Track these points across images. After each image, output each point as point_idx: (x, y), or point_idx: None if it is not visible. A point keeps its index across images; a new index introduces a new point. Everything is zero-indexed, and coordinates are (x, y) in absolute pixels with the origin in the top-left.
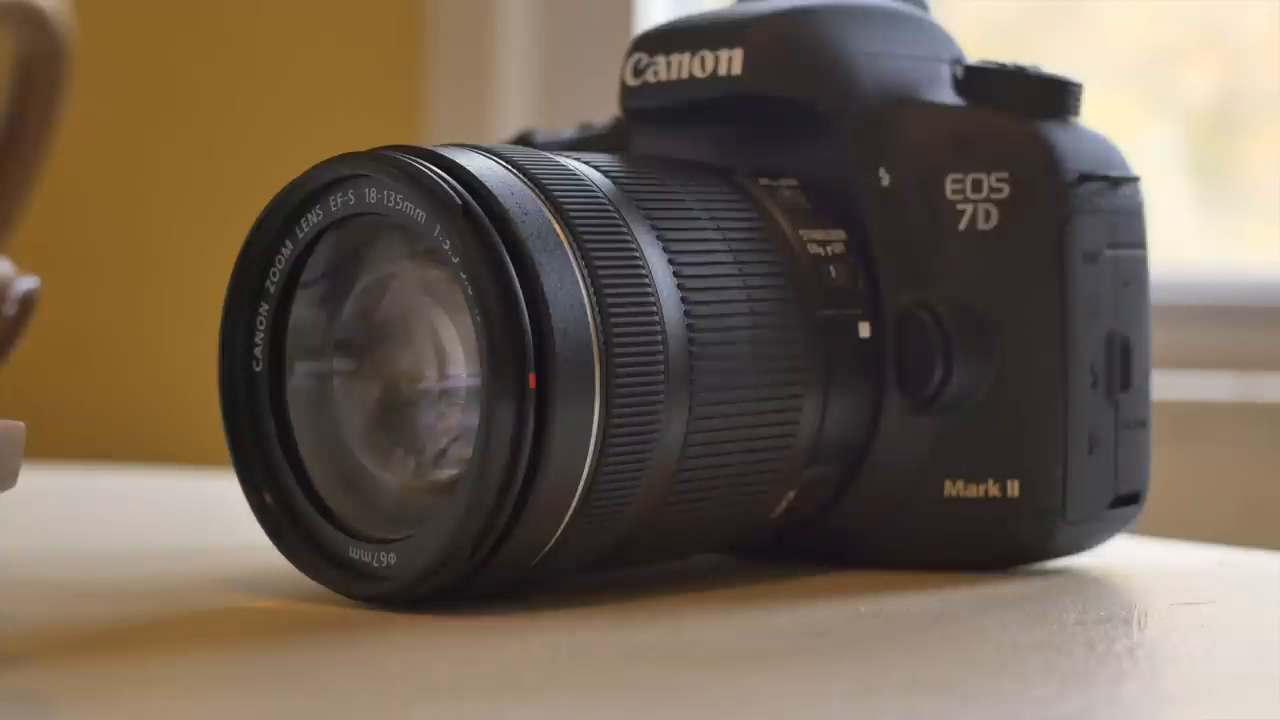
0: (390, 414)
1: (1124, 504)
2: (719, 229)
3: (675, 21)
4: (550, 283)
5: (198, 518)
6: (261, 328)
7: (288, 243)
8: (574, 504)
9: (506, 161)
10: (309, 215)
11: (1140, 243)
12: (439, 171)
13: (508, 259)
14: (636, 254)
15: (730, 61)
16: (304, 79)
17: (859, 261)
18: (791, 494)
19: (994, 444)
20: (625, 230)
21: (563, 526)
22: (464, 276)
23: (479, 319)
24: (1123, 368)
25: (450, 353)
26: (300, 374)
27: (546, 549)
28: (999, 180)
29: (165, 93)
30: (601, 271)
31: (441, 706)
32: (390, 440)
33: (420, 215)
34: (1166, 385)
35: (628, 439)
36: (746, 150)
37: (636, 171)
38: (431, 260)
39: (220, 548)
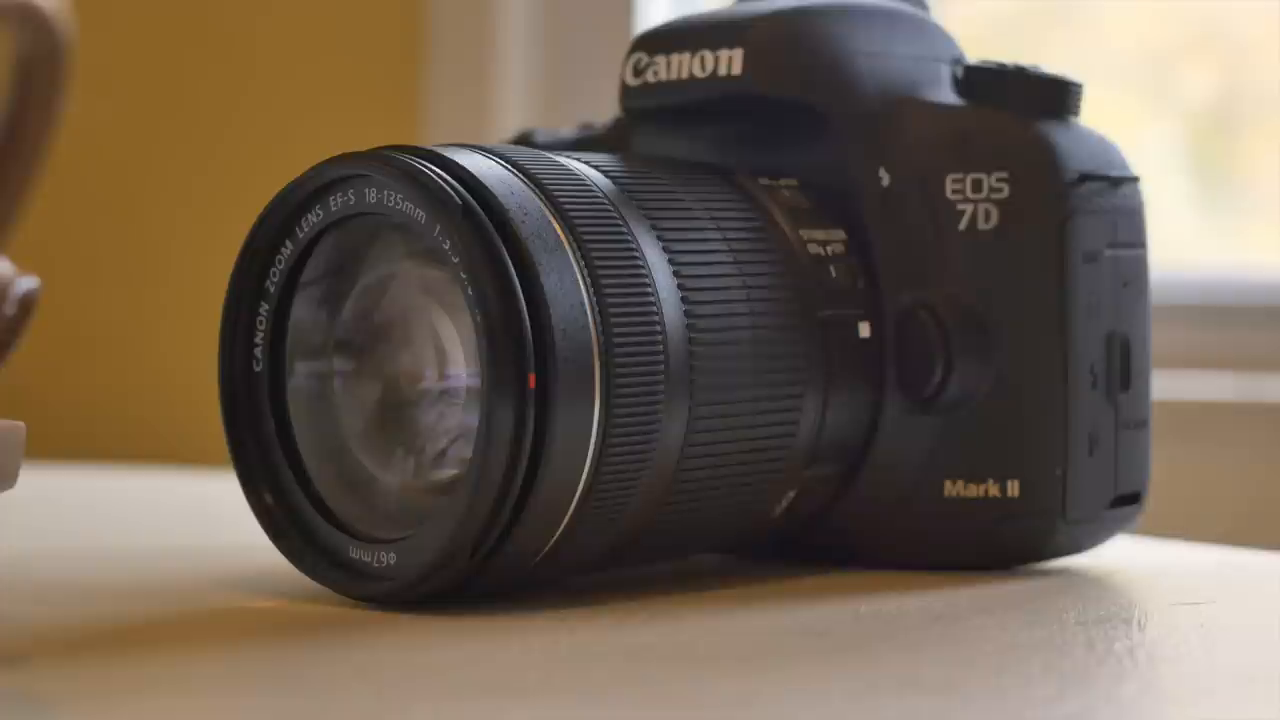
0: (390, 414)
1: (1124, 504)
2: (719, 229)
3: (675, 21)
4: (550, 283)
5: (198, 518)
6: (261, 328)
7: (288, 243)
8: (574, 504)
9: (506, 161)
10: (309, 215)
11: (1140, 243)
12: (439, 171)
13: (508, 259)
14: (636, 254)
15: (730, 61)
16: (304, 78)
17: (859, 261)
18: (791, 494)
19: (994, 444)
20: (625, 230)
21: (563, 526)
22: (464, 276)
23: (479, 319)
24: (1123, 368)
25: (450, 353)
26: (300, 374)
27: (546, 549)
28: (999, 180)
29: (165, 93)
30: (601, 271)
31: (441, 706)
32: (390, 440)
33: (420, 215)
34: (1166, 385)
35: (628, 439)
36: (746, 150)
37: (636, 171)
38: (431, 260)
39: (220, 548)
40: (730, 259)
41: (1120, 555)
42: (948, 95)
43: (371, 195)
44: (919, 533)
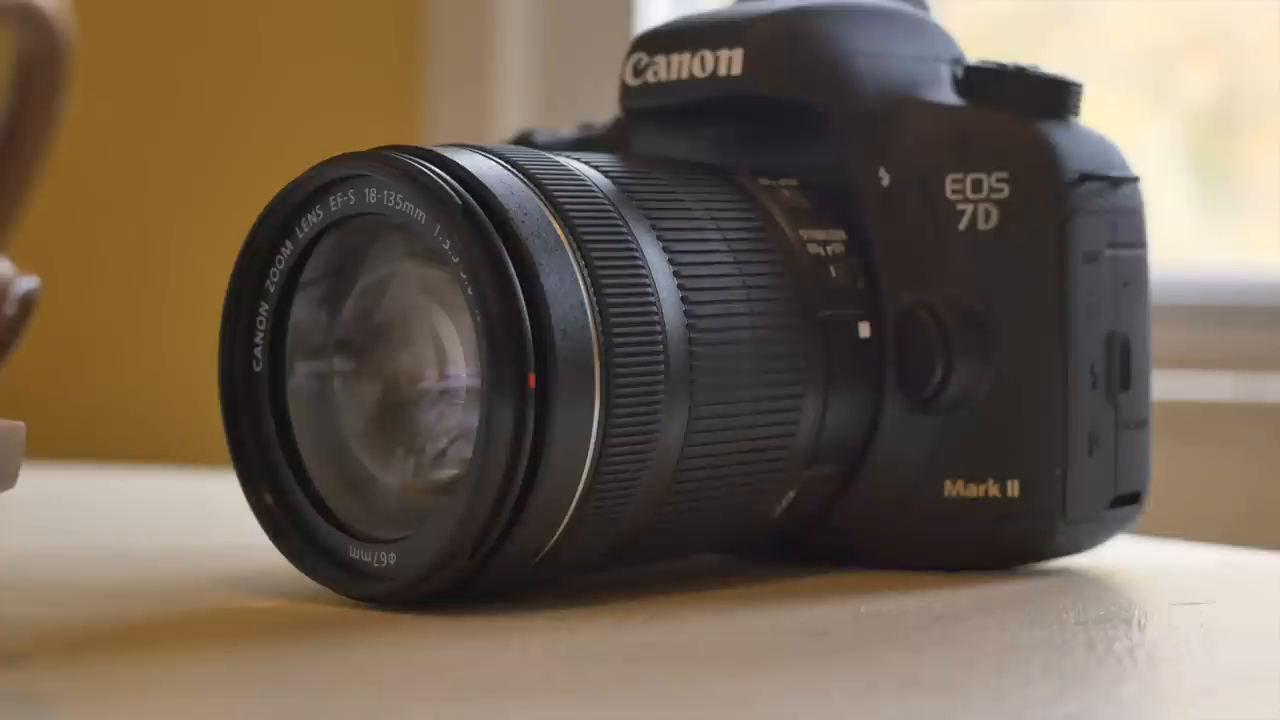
0: (390, 414)
1: (1124, 504)
2: (719, 229)
3: (675, 21)
4: (550, 283)
5: (198, 518)
6: (261, 328)
7: (288, 243)
8: (574, 504)
9: (506, 161)
10: (309, 215)
11: (1140, 243)
12: (439, 171)
13: (508, 259)
14: (636, 254)
15: (730, 61)
16: (304, 78)
17: (859, 261)
18: (791, 494)
19: (994, 444)
20: (625, 230)
21: (563, 526)
22: (464, 276)
23: (479, 319)
24: (1123, 368)
25: (450, 353)
26: (300, 374)
27: (546, 549)
28: (999, 180)
29: (166, 93)
30: (601, 271)
31: (441, 706)
32: (390, 440)
33: (420, 215)
34: (1166, 385)
35: (628, 439)
36: (746, 150)
37: (636, 171)
38: (431, 260)
39: (220, 548)
40: (730, 259)
41: (1120, 555)
42: (948, 95)
43: (371, 195)
44: (919, 533)
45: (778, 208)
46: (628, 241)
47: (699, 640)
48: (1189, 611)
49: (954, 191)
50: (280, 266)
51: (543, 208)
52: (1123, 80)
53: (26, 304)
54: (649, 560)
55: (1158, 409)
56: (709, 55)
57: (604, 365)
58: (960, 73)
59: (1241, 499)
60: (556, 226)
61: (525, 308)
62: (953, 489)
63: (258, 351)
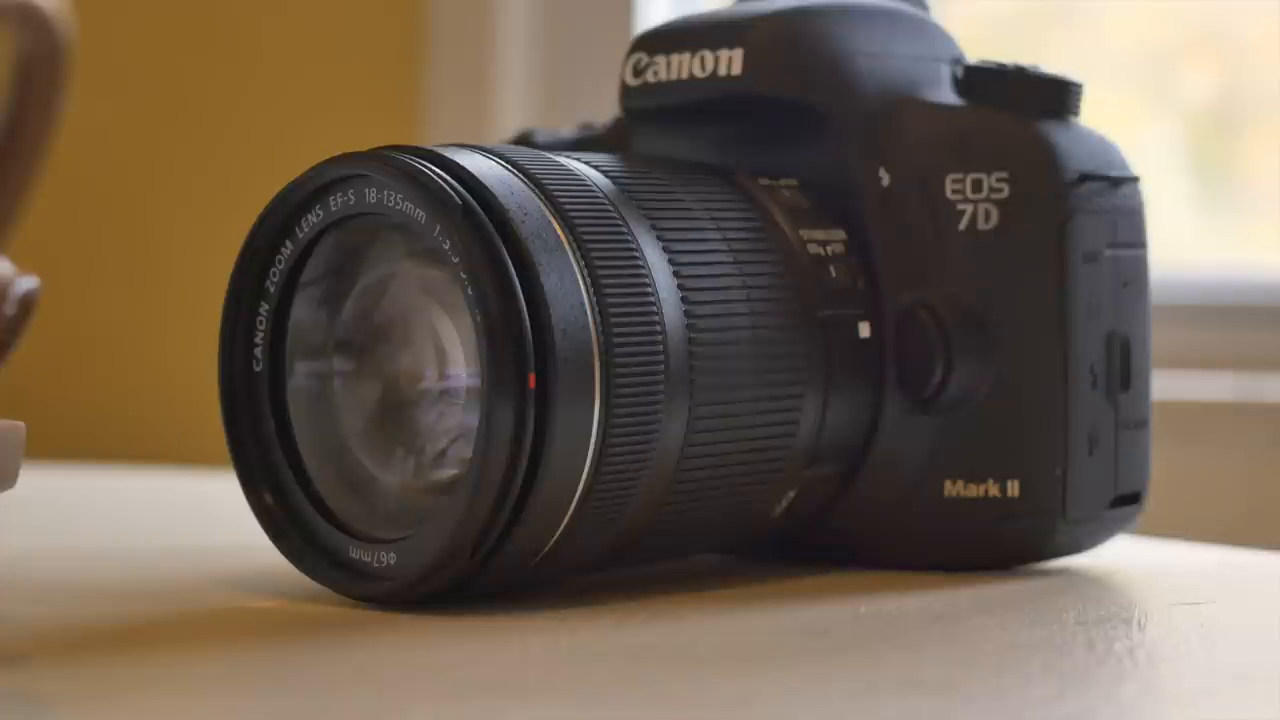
0: (390, 414)
1: (1124, 504)
2: (719, 229)
3: (675, 21)
4: (550, 283)
5: (198, 518)
6: (261, 328)
7: (288, 243)
8: (574, 504)
9: (506, 161)
10: (309, 215)
11: (1140, 243)
12: (439, 171)
13: (508, 259)
14: (636, 254)
15: (730, 61)
16: (304, 78)
17: (859, 261)
18: (791, 494)
19: (994, 444)
20: (625, 230)
21: (563, 526)
22: (464, 276)
23: (479, 319)
24: (1123, 368)
25: (450, 353)
26: (300, 374)
27: (546, 549)
28: (999, 180)
29: (166, 93)
30: (601, 271)
31: (441, 706)
32: (390, 440)
33: (420, 215)
34: (1166, 385)
35: (628, 439)
36: (746, 150)
37: (636, 171)
38: (431, 260)
39: (220, 548)
40: (730, 259)
41: (1120, 555)
42: (948, 95)
43: (371, 195)
44: (919, 533)
45: (778, 208)
46: (628, 241)
47: (699, 640)
48: (1189, 611)
49: (954, 191)
50: (280, 266)
51: (543, 208)
52: (1123, 80)
53: (26, 304)
54: (649, 560)
55: (1158, 409)
56: (709, 55)
57: (604, 365)
58: (960, 73)
59: (1241, 499)
60: (556, 226)
61: (525, 308)
62: (953, 489)
63: (258, 351)
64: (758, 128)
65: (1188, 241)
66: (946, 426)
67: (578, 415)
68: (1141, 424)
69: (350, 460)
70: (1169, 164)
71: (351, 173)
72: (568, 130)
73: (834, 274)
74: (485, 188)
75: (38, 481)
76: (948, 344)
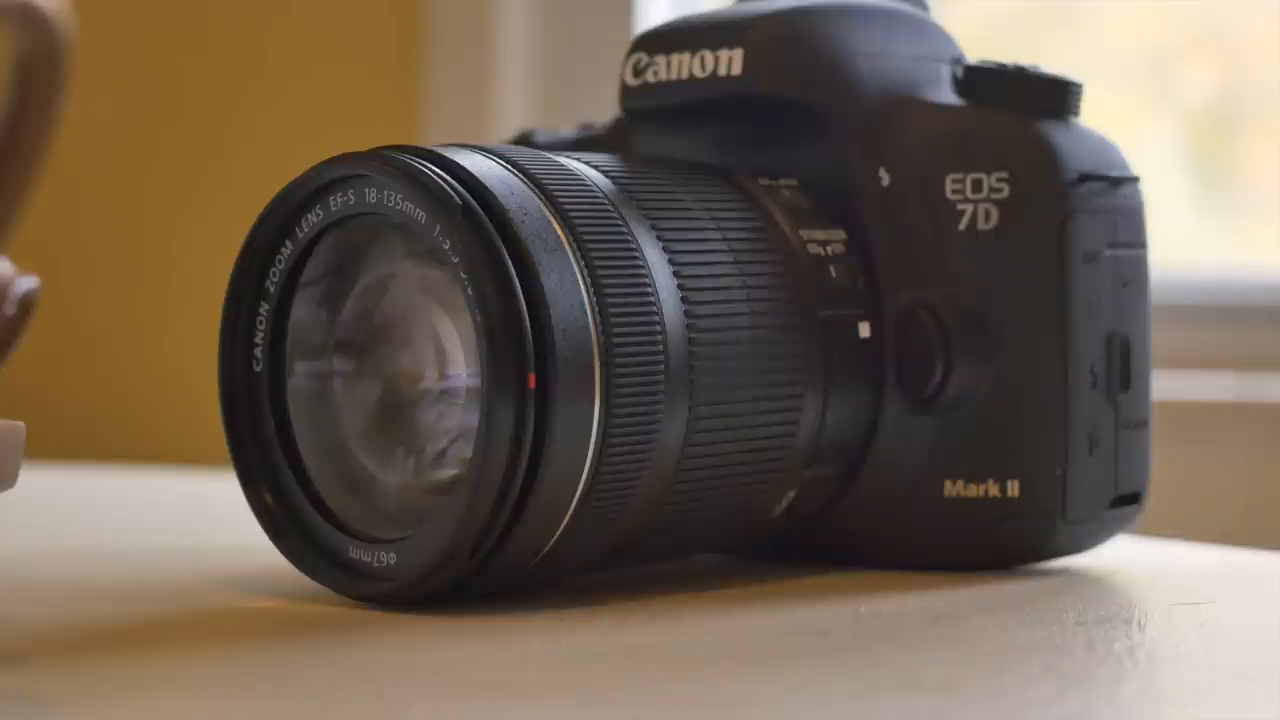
0: (390, 414)
1: (1124, 504)
2: (719, 229)
3: (675, 21)
4: (550, 283)
5: (198, 518)
6: (261, 328)
7: (288, 243)
8: (574, 504)
9: (506, 161)
10: (309, 215)
11: (1140, 243)
12: (439, 171)
13: (508, 259)
14: (636, 254)
15: (730, 61)
16: (304, 78)
17: (859, 261)
18: (791, 494)
19: (994, 444)
20: (625, 230)
21: (563, 526)
22: (464, 276)
23: (479, 319)
24: (1123, 368)
25: (450, 353)
26: (300, 374)
27: (546, 549)
28: (999, 180)
29: (166, 93)
30: (601, 271)
31: (441, 706)
32: (390, 440)
33: (420, 215)
34: (1166, 385)
35: (628, 439)
36: (746, 150)
37: (636, 171)
38: (431, 260)
39: (220, 548)
40: (730, 259)
41: (1120, 555)
42: (948, 95)
43: (371, 195)
44: (919, 533)
45: (778, 208)
46: (628, 241)
47: (699, 640)
48: (1189, 611)
49: (954, 191)
50: (280, 266)
51: (543, 208)
52: (1123, 80)
53: (26, 304)
54: (649, 560)
55: (1158, 409)
56: (709, 55)
57: (604, 365)
58: (960, 73)
59: (1241, 499)
60: (556, 226)
61: (525, 308)
62: (953, 489)
63: (258, 351)
64: (758, 128)
65: (1188, 241)
66: (946, 426)
67: (578, 415)
68: (1141, 424)
69: (350, 460)
70: (1169, 164)
71: (351, 173)
72: (568, 130)
73: (834, 274)
74: (485, 188)
75: (38, 481)
76: (948, 344)
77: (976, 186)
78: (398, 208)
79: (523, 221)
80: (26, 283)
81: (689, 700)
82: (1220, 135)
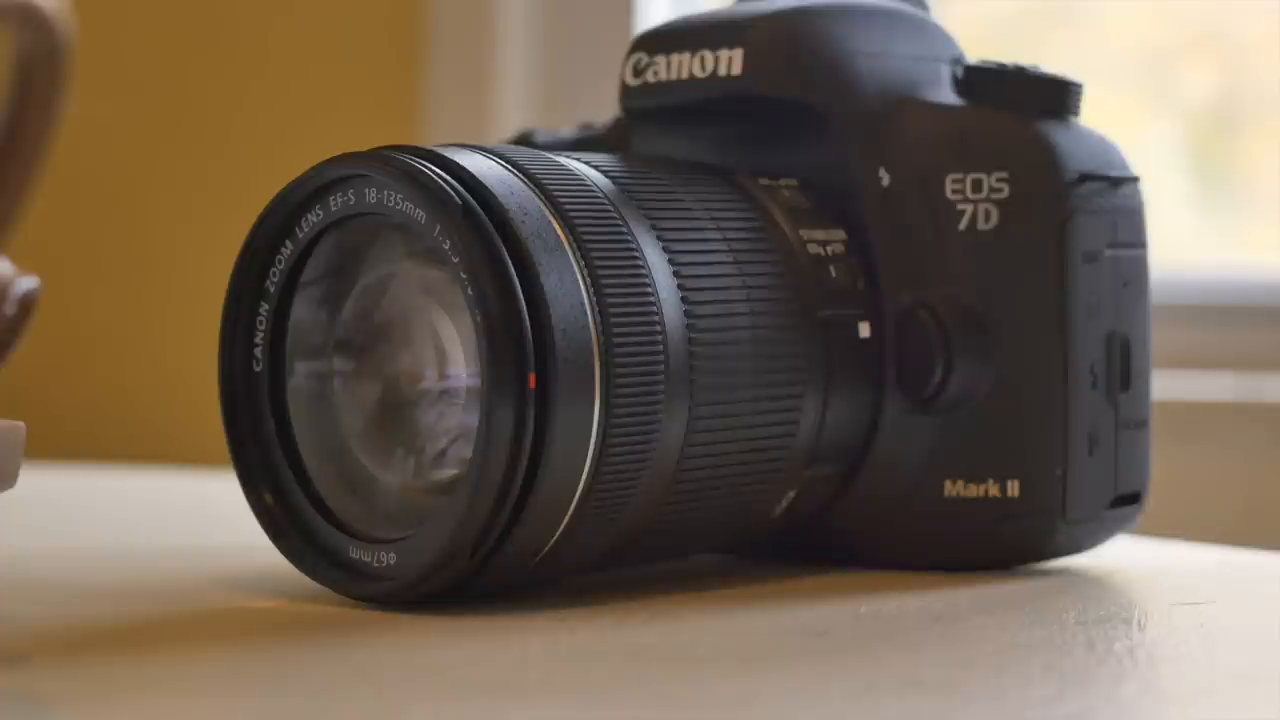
0: (390, 414)
1: (1124, 504)
2: (719, 229)
3: (675, 21)
4: (550, 283)
5: (198, 518)
6: (261, 328)
7: (288, 243)
8: (574, 504)
9: (506, 161)
10: (309, 215)
11: (1140, 243)
12: (439, 171)
13: (508, 259)
14: (636, 254)
15: (730, 61)
16: (305, 78)
17: (859, 261)
18: (791, 494)
19: (994, 444)
20: (625, 230)
21: (563, 526)
22: (464, 276)
23: (479, 319)
24: (1123, 368)
25: (450, 353)
26: (300, 374)
27: (546, 549)
28: (999, 180)
29: (166, 93)
30: (601, 271)
31: (441, 706)
32: (390, 440)
33: (420, 215)
34: (1166, 385)
35: (628, 439)
36: (746, 150)
37: (636, 171)
38: (431, 260)
39: (220, 548)
40: (730, 259)
41: (1120, 555)
42: (948, 95)
43: (371, 195)
44: (919, 533)
45: (778, 208)
46: (628, 241)
47: (699, 640)
48: (1189, 611)
49: (954, 191)
50: (280, 266)
51: (543, 208)
52: (1123, 80)
53: (26, 304)
54: (649, 560)
55: (1158, 409)
56: (709, 55)
57: (604, 365)
58: (960, 73)
59: (1241, 499)
60: (556, 226)
61: (525, 308)
62: (953, 489)
63: (258, 351)
64: (758, 128)
65: (1188, 241)
66: (946, 426)
67: (578, 415)
68: (1141, 424)
69: (350, 460)
70: (1169, 164)
71: (351, 173)
72: (568, 130)
73: (834, 274)
74: (485, 188)
75: (38, 481)
76: (948, 344)
77: (976, 186)
78: (398, 208)
79: (523, 221)
80: (26, 283)
81: (689, 700)
82: (1220, 135)
